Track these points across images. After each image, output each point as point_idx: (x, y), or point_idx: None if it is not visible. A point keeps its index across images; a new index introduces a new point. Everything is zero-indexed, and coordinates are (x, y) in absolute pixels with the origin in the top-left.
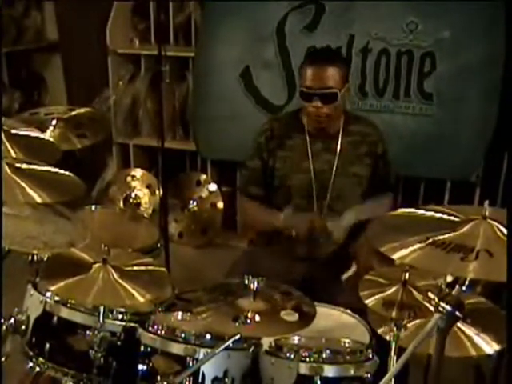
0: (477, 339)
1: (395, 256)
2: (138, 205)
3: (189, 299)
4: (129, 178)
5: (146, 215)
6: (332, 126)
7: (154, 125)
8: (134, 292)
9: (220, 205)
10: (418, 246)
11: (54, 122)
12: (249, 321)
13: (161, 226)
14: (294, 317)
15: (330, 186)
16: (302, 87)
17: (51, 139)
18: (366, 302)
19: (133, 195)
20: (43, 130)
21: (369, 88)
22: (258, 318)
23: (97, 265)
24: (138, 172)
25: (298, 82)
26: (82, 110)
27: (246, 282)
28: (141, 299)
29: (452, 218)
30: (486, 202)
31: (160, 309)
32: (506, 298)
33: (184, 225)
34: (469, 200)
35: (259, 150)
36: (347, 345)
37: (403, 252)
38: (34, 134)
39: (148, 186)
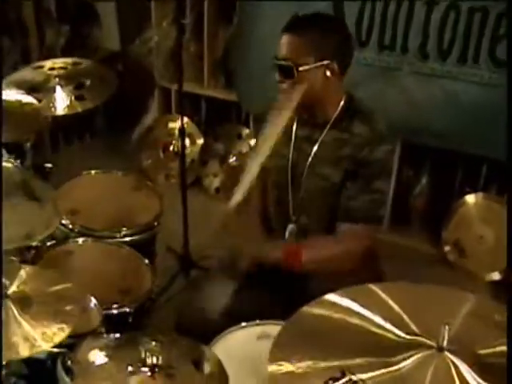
0: None
1: None
2: (178, 153)
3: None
4: (170, 125)
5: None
6: (321, 112)
7: (196, 70)
8: (47, 330)
9: None
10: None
11: (56, 81)
12: None
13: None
14: None
15: (303, 180)
16: None
17: (37, 104)
18: None
19: (174, 142)
20: (38, 91)
21: (431, 49)
22: None
23: None
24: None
25: None
26: (87, 65)
27: (143, 354)
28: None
29: (394, 330)
30: (446, 328)
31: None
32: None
33: (221, 180)
34: None
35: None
36: None
37: None
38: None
39: (189, 135)
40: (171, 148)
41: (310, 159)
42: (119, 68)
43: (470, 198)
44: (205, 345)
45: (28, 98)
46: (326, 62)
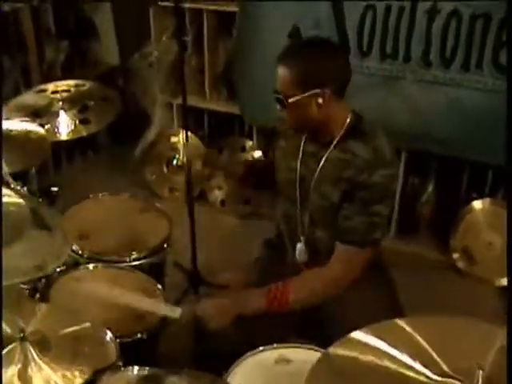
0: None
1: None
2: (181, 167)
3: None
4: (173, 139)
5: None
6: (326, 132)
7: (198, 83)
8: (68, 373)
9: None
10: None
11: (59, 105)
12: None
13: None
14: None
15: (310, 195)
16: None
17: (41, 131)
18: None
19: (177, 156)
20: (42, 116)
21: (433, 57)
22: None
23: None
24: (182, 133)
25: (351, 43)
26: (89, 86)
27: None
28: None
29: (425, 372)
30: (480, 372)
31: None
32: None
33: (226, 192)
34: None
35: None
36: None
37: None
38: (22, 125)
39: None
40: (174, 162)
41: (315, 175)
42: (120, 83)
43: (477, 204)
44: (223, 369)
45: (33, 126)
46: (315, 92)
